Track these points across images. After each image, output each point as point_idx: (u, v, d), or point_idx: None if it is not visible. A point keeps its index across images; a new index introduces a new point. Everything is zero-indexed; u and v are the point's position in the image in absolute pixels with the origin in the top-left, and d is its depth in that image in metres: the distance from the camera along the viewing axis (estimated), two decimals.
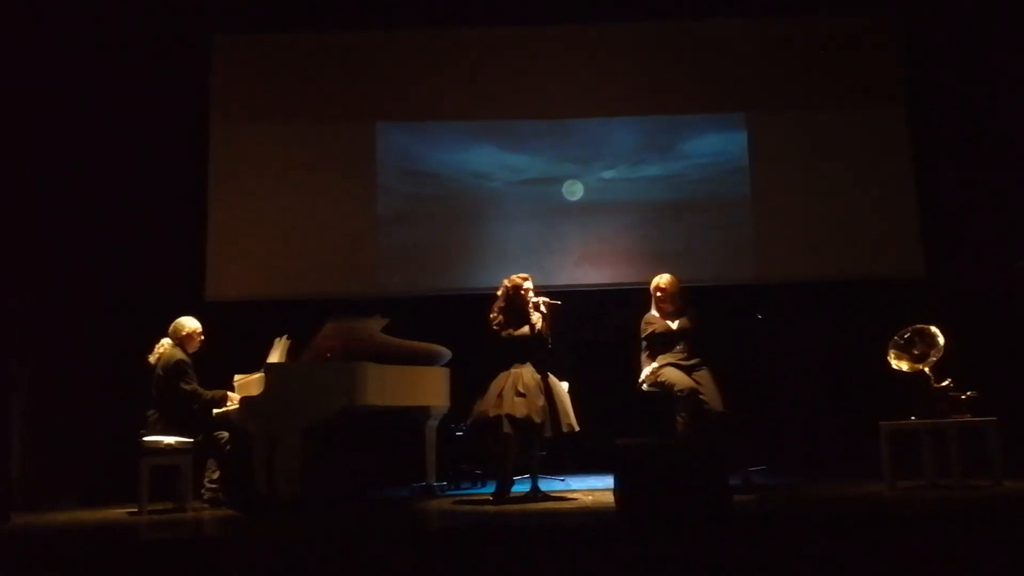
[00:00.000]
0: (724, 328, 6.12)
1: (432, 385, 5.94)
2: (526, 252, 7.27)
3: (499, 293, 5.58)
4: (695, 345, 5.56)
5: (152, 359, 5.61)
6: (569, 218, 7.50)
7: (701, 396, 5.36)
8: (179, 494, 5.41)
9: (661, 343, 5.59)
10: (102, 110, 7.02)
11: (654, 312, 5.70)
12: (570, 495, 5.50)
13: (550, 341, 5.43)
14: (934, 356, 5.27)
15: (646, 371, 5.55)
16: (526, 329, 5.41)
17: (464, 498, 5.69)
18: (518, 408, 5.17)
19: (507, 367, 5.36)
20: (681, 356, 5.54)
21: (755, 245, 7.43)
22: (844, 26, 7.65)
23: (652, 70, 7.61)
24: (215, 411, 5.61)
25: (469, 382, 5.68)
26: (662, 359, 5.56)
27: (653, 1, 7.61)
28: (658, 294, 5.68)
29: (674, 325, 5.59)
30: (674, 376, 5.45)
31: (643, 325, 5.68)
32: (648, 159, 7.59)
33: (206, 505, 5.48)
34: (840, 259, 7.34)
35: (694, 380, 5.43)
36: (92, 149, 6.96)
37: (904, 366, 5.35)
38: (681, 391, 5.36)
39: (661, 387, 5.46)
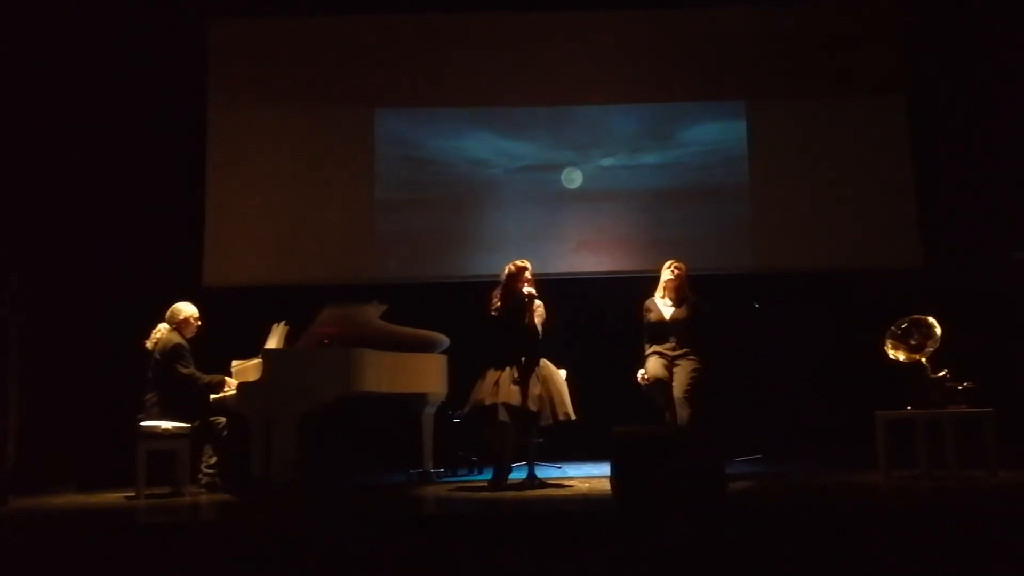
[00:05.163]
0: (721, 317, 6.12)
1: (430, 372, 5.93)
2: (524, 239, 7.27)
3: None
4: (688, 336, 5.54)
5: (149, 344, 5.61)
6: (567, 205, 7.50)
7: (670, 385, 5.38)
8: (176, 479, 5.41)
9: (655, 333, 5.59)
10: (99, 96, 6.99)
11: (655, 298, 5.68)
12: (566, 482, 5.51)
13: (539, 332, 5.41)
14: (931, 346, 5.27)
15: (641, 371, 5.56)
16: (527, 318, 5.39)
17: (461, 485, 5.70)
18: (515, 396, 5.18)
19: (503, 354, 5.35)
20: (669, 346, 5.53)
21: (753, 234, 7.43)
22: (845, 16, 7.63)
23: (652, 57, 7.60)
24: (212, 396, 5.61)
25: (467, 369, 5.68)
26: (653, 348, 5.56)
27: None
28: (669, 278, 5.64)
29: (668, 315, 5.58)
30: (650, 366, 5.49)
31: (643, 311, 5.68)
32: (647, 147, 7.57)
33: (203, 490, 5.49)
34: (838, 249, 7.35)
35: (669, 370, 5.44)
36: (90, 135, 6.94)
37: (901, 356, 5.36)
38: (648, 380, 5.41)
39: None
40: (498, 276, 5.60)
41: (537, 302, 5.45)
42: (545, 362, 5.40)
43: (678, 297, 5.62)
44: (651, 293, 5.72)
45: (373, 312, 5.73)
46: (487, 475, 5.61)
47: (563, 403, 5.30)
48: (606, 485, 4.62)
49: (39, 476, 5.91)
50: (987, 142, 7.13)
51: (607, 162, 7.55)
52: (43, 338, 6.35)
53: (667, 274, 5.67)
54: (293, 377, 5.32)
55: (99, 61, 7.03)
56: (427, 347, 5.98)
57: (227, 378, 5.67)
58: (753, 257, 7.42)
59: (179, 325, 5.63)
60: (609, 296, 6.97)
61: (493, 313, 5.46)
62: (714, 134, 7.58)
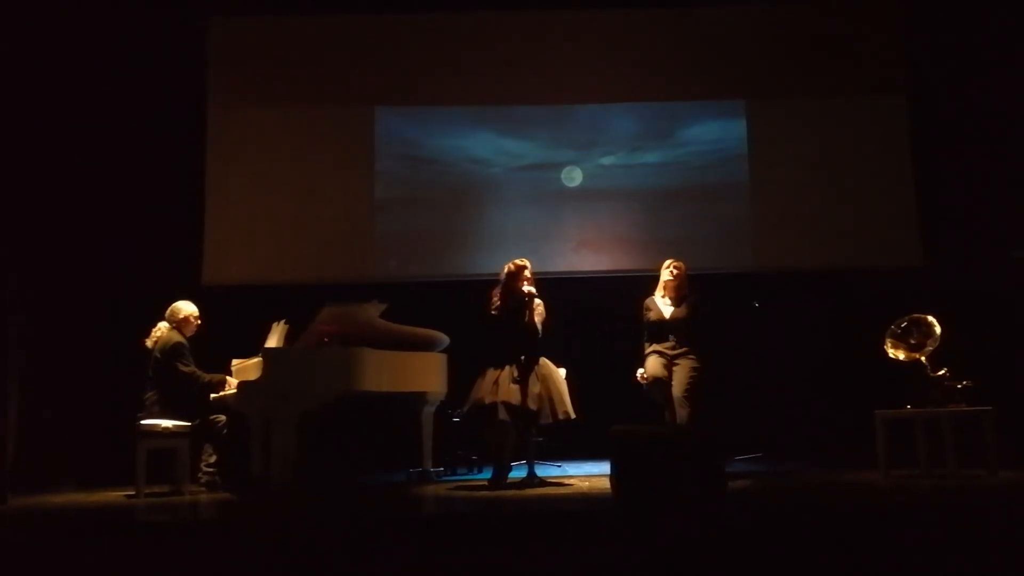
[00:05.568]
0: (721, 316, 6.12)
1: (429, 371, 5.93)
2: (524, 238, 7.27)
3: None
4: (687, 335, 5.55)
5: (149, 343, 5.61)
6: (567, 204, 7.50)
7: (669, 384, 5.39)
8: (176, 477, 5.42)
9: (655, 332, 5.59)
10: (99, 95, 6.99)
11: (654, 297, 5.69)
12: (566, 481, 5.51)
13: (539, 331, 5.41)
14: (931, 345, 5.27)
15: (641, 370, 5.57)
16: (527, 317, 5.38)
17: (461, 484, 5.70)
18: (514, 395, 5.18)
19: (503, 353, 5.35)
20: (668, 345, 5.54)
21: (753, 233, 7.43)
22: (845, 15, 7.62)
23: (652, 56, 7.59)
24: (212, 395, 5.61)
25: (467, 368, 5.68)
26: (652, 347, 5.57)
27: None
28: (669, 278, 5.65)
29: (667, 314, 5.58)
30: (649, 365, 5.50)
31: (643, 310, 5.68)
32: (647, 146, 7.58)
33: (203, 489, 5.49)
34: (838, 248, 7.35)
35: (668, 369, 5.45)
36: (90, 135, 6.93)
37: (900, 355, 5.36)
38: (647, 379, 5.43)
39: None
40: (498, 275, 5.61)
41: (537, 301, 5.45)
42: (545, 361, 5.40)
43: (678, 296, 5.63)
44: (651, 292, 5.72)
45: (373, 311, 5.73)
46: (487, 474, 5.61)
47: (563, 402, 5.30)
48: (606, 484, 4.61)
49: (39, 475, 5.91)
50: (987, 142, 7.12)
51: (607, 161, 7.55)
52: (43, 338, 6.35)
53: (667, 273, 5.68)
54: (293, 376, 5.31)
55: (99, 61, 7.02)
56: (427, 346, 5.97)
57: (228, 377, 5.67)
58: (753, 257, 7.42)
59: (179, 324, 5.64)
60: (609, 295, 6.97)
61: (493, 312, 5.46)
62: (714, 133, 7.58)
